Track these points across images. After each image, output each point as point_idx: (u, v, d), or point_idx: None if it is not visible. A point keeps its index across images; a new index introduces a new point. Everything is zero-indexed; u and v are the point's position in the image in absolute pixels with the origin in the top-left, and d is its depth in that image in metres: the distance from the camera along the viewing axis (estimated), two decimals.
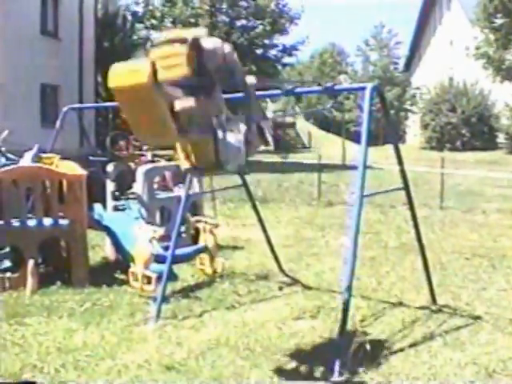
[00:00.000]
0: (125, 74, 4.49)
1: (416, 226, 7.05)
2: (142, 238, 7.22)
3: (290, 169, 22.32)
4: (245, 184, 7.96)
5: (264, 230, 8.30)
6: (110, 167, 9.17)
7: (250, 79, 5.09)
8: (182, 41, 4.45)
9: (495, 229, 12.34)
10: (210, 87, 4.62)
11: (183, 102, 4.53)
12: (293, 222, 12.68)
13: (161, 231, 7.32)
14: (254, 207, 8.20)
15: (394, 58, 56.14)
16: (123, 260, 8.15)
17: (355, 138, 36.36)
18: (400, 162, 6.66)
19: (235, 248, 10.15)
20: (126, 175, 9.20)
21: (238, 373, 5.18)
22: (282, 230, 11.66)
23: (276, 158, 26.06)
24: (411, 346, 5.94)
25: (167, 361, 5.33)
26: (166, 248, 7.77)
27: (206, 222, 8.12)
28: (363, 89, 6.00)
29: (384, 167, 25.12)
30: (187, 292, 7.49)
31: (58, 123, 8.77)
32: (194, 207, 9.53)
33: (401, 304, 7.21)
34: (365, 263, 9.17)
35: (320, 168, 17.19)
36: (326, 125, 46.76)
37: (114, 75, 4.54)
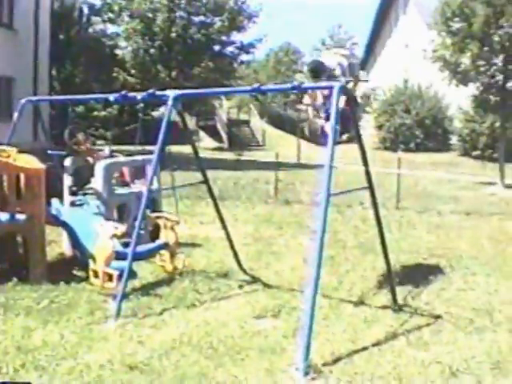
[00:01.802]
0: None
1: (380, 226, 7.12)
2: (103, 235, 7.08)
3: (245, 166, 22.25)
4: (206, 181, 7.90)
5: (224, 228, 8.25)
6: (67, 161, 8.97)
7: None
8: None
9: (451, 230, 12.50)
10: None
11: None
12: (251, 220, 12.63)
13: (123, 228, 7.19)
14: (216, 205, 8.13)
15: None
16: (81, 256, 7.99)
17: (314, 137, 36.33)
18: (365, 162, 6.71)
19: (194, 245, 10.06)
20: (84, 170, 9.02)
21: (203, 373, 5.11)
22: (240, 228, 11.58)
23: (231, 156, 26.02)
24: (374, 345, 5.96)
25: (130, 360, 5.23)
26: (126, 245, 7.66)
27: (166, 219, 8.01)
28: (331, 87, 6.02)
29: (337, 166, 25.31)
30: (147, 290, 7.38)
31: (15, 115, 8.55)
32: (153, 203, 9.41)
33: (362, 303, 7.24)
34: (325, 262, 9.14)
35: (276, 166, 17.16)
36: (280, 123, 46.80)
37: None
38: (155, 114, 29.34)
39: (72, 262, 8.45)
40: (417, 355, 5.76)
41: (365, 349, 5.86)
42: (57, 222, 8.30)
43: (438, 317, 6.84)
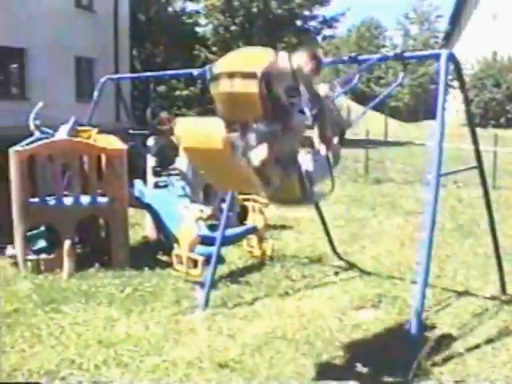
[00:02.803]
0: (197, 137, 3.96)
1: (489, 209, 6.38)
2: (187, 218, 6.63)
3: None
4: None
5: (318, 209, 7.66)
6: (150, 141, 8.56)
7: (323, 89, 4.40)
8: (249, 75, 3.71)
9: None
10: (285, 117, 3.85)
11: (259, 155, 3.78)
12: (341, 200, 11.95)
13: (208, 211, 6.72)
14: None
15: (435, 31, 54.61)
16: (166, 241, 7.58)
17: (394, 113, 35.23)
18: (475, 141, 6.00)
19: (283, 228, 9.53)
20: (168, 150, 8.58)
21: (299, 372, 4.57)
22: (330, 208, 10.94)
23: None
24: (487, 342, 5.28)
25: (220, 357, 4.73)
26: (212, 228, 7.21)
27: (255, 201, 7.49)
28: (437, 56, 5.31)
29: (427, 144, 24.26)
30: (236, 277, 6.89)
31: (95, 94, 8.19)
32: None
33: (468, 293, 6.53)
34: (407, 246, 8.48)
35: (366, 144, 16.41)
36: (363, 100, 45.65)
37: (186, 135, 4.11)
38: None
39: (156, 246, 8.08)
40: None
41: (477, 347, 5.20)
42: (140, 204, 7.93)
43: None
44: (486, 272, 7.20)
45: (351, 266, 7.54)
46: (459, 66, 5.52)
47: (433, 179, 4.99)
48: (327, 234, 7.85)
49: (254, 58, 3.91)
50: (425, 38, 50.87)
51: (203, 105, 24.09)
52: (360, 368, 4.68)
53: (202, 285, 6.31)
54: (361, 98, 45.24)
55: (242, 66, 3.82)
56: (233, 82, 3.79)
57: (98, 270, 6.86)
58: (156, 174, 8.49)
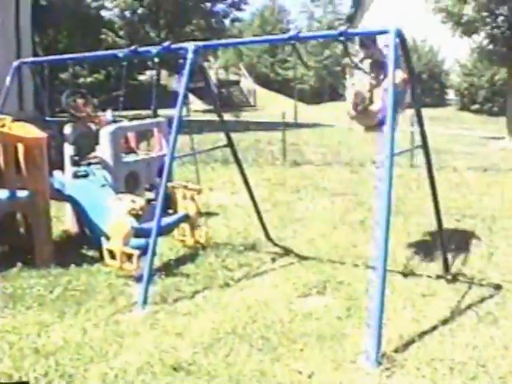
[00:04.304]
0: None
1: (433, 187, 6.31)
2: (119, 210, 6.20)
3: (244, 128, 21.24)
4: (230, 143, 7.04)
5: (250, 194, 7.41)
6: (67, 129, 7.97)
7: None
8: None
9: (474, 187, 11.74)
10: None
11: None
12: (262, 183, 11.70)
13: (141, 202, 6.31)
14: (241, 169, 7.30)
15: (339, 14, 55.21)
16: (91, 234, 7.10)
17: (302, 96, 35.32)
18: (421, 123, 5.90)
19: (209, 215, 9.17)
20: (86, 137, 8.05)
21: (260, 370, 4.29)
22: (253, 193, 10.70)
23: (226, 117, 24.95)
24: (443, 323, 5.21)
25: (171, 359, 4.38)
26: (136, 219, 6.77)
27: (186, 188, 7.12)
28: (385, 32, 5.13)
29: (334, 124, 24.51)
30: (171, 269, 6.50)
31: (8, 80, 7.54)
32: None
33: (413, 274, 6.44)
34: (357, 227, 8.42)
35: (284, 127, 16.26)
36: (267, 83, 45.74)
37: None
38: (142, 78, 28.19)
39: (79, 240, 7.55)
40: (493, 334, 5.04)
41: (434, 328, 5.11)
42: (61, 196, 7.39)
43: (497, 287, 6.11)
44: (424, 251, 7.16)
45: (287, 251, 7.32)
46: (405, 42, 5.35)
47: (386, 159, 4.83)
48: (260, 219, 7.61)
49: None
50: (329, 20, 51.32)
51: (107, 92, 23.27)
52: (321, 359, 4.47)
53: (137, 279, 5.94)
54: (265, 81, 45.34)
55: None
56: None
57: (21, 269, 6.29)
58: (75, 163, 7.94)
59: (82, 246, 7.25)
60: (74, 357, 4.42)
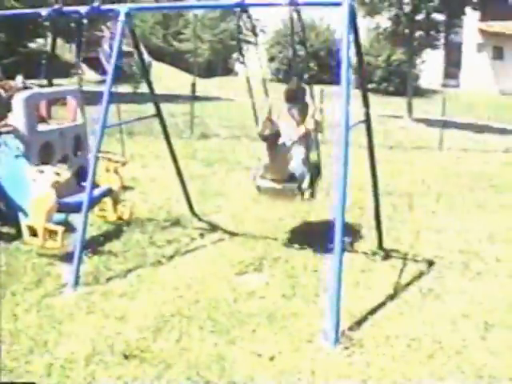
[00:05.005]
0: None
1: (373, 166, 6.25)
2: (42, 183, 5.69)
3: (143, 99, 20.55)
4: (159, 114, 6.66)
5: (176, 166, 7.07)
6: None
7: None
8: None
9: (385, 164, 11.81)
10: None
11: None
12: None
13: (67, 174, 5.82)
14: (168, 141, 6.92)
15: None
16: (6, 209, 6.50)
17: (199, 70, 34.59)
18: (366, 103, 5.77)
19: (123, 189, 8.71)
20: None
21: (218, 354, 4.03)
22: (165, 165, 10.30)
23: (123, 89, 24.08)
24: (389, 299, 5.15)
25: (120, 346, 4.03)
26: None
27: (109, 160, 6.67)
28: (338, 4, 4.91)
29: (234, 99, 24.30)
30: (96, 247, 6.05)
31: None
32: (77, 141, 7.99)
33: (349, 251, 6.29)
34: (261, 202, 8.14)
35: (192, 100, 15.84)
36: (161, 56, 44.58)
37: None
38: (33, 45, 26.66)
39: None
40: (438, 309, 5.04)
41: (381, 305, 5.04)
42: None
43: (431, 262, 6.14)
44: (357, 228, 7.07)
45: (214, 227, 7.04)
46: (355, 17, 5.16)
47: (342, 135, 4.67)
48: (185, 193, 7.29)
49: None
50: None
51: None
52: (277, 340, 4.27)
53: (62, 258, 5.50)
54: (158, 54, 44.12)
55: None
56: None
57: None
58: None
59: None
60: (12, 348, 3.96)
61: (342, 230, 4.51)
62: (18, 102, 6.99)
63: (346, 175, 4.60)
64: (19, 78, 8.03)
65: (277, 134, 5.87)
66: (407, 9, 20.12)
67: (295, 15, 5.03)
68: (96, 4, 5.66)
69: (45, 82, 8.96)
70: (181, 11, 32.54)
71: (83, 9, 5.62)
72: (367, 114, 5.83)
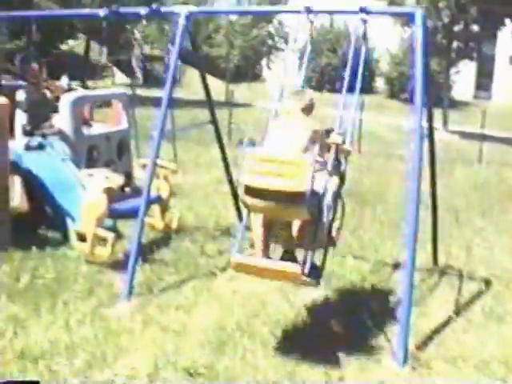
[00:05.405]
0: None
1: (433, 182, 6.00)
2: (93, 188, 5.51)
3: (177, 105, 20.41)
4: (214, 121, 6.49)
5: (228, 174, 6.86)
6: (20, 95, 7.13)
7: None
8: None
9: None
10: None
11: None
12: (214, 163, 11.06)
13: (119, 180, 5.64)
14: (222, 148, 6.73)
15: None
16: (53, 213, 6.32)
17: (230, 76, 34.54)
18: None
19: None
20: (41, 105, 7.23)
21: (288, 373, 3.81)
22: (209, 173, 10.12)
23: (150, 93, 23.96)
24: (451, 317, 4.95)
25: (186, 362, 3.83)
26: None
27: (160, 166, 6.48)
28: (411, 15, 4.72)
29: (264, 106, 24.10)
30: (145, 255, 5.83)
31: None
32: (121, 146, 7.82)
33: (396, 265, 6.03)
34: None
35: (230, 105, 15.67)
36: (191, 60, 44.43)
37: None
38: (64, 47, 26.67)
39: (32, 218, 6.71)
40: (504, 330, 4.81)
41: (445, 324, 4.86)
42: (16, 169, 6.56)
43: (488, 281, 5.89)
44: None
45: None
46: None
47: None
48: (236, 203, 7.06)
49: None
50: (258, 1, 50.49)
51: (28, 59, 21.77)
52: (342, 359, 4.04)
53: (113, 266, 5.32)
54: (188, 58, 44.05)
55: None
56: None
57: None
58: (27, 133, 7.11)
59: (38, 225, 6.47)
60: (68, 362, 3.76)
61: (413, 244, 4.27)
62: (65, 104, 6.84)
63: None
64: (64, 79, 7.90)
65: None
66: (445, 19, 19.85)
67: (362, 25, 4.74)
68: (156, 6, 5.48)
69: (89, 83, 8.80)
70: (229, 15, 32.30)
71: (143, 10, 5.44)
72: (431, 128, 5.58)
